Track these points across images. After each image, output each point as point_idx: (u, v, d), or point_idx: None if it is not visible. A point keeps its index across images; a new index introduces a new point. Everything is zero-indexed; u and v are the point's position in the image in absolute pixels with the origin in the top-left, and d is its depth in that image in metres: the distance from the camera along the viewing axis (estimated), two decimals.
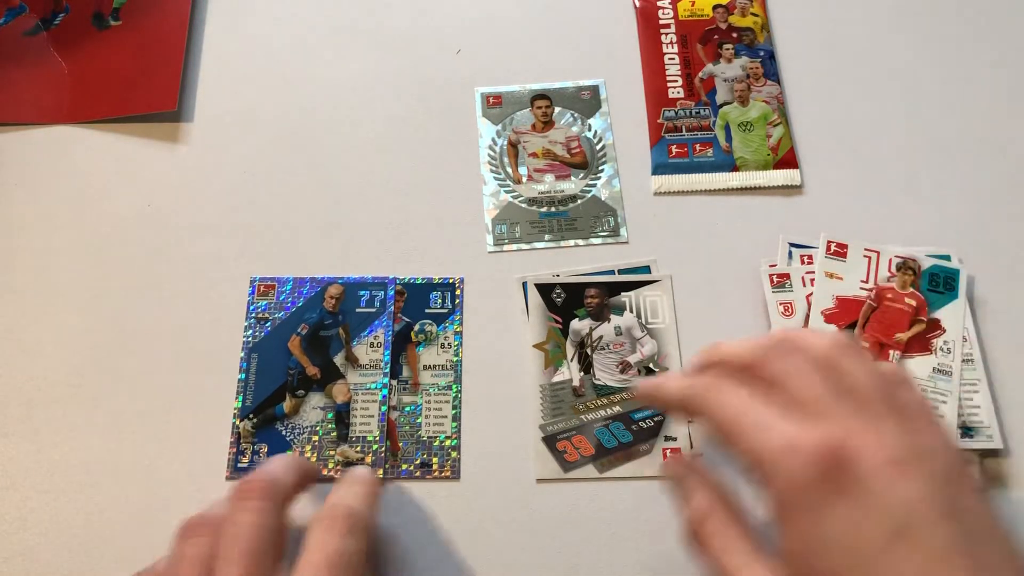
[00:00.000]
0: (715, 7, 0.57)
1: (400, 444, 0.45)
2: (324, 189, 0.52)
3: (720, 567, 0.31)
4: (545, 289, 0.49)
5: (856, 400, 0.29)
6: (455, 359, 0.47)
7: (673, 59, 0.55)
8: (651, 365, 0.47)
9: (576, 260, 0.50)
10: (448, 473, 0.44)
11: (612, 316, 0.48)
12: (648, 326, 0.48)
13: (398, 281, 0.49)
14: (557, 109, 0.54)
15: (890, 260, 0.48)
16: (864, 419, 0.28)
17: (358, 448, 0.45)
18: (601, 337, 0.47)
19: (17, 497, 0.44)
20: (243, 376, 0.47)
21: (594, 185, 0.52)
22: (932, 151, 0.53)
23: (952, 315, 0.47)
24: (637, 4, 0.58)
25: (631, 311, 0.48)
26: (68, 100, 0.54)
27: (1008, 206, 0.51)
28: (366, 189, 0.52)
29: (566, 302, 0.48)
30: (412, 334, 0.48)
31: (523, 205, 0.51)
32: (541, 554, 0.43)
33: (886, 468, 0.26)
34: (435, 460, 0.45)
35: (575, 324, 0.48)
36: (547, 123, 0.54)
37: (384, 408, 0.46)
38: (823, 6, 0.58)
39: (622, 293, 0.48)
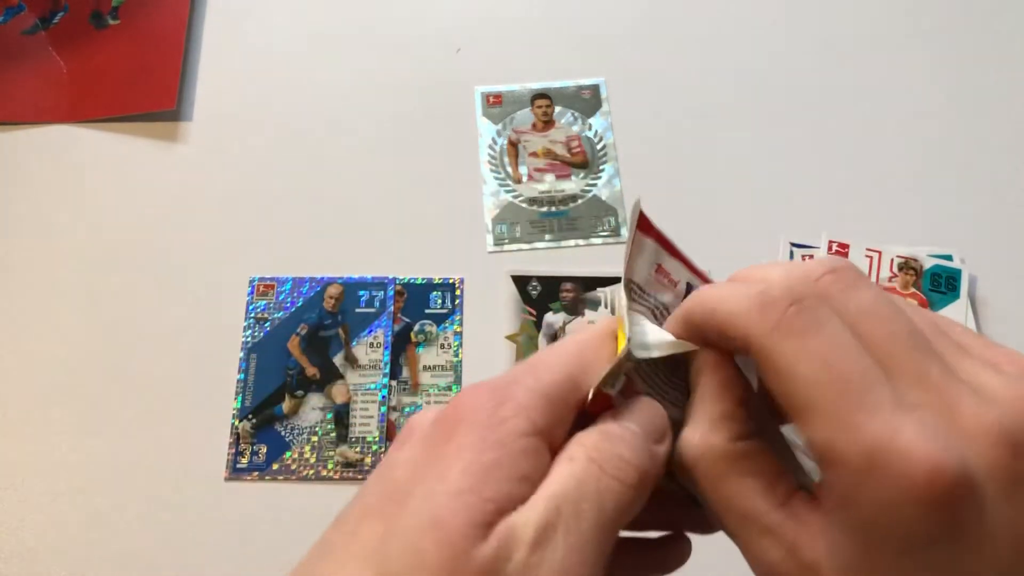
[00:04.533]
0: None
1: None
2: (323, 189, 0.52)
3: (728, 509, 0.22)
4: (522, 281, 0.49)
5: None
6: (455, 359, 0.47)
7: None
8: None
9: (577, 260, 0.49)
10: None
11: (586, 311, 0.48)
12: None
13: (398, 281, 0.49)
14: (557, 108, 0.54)
15: (892, 260, 0.48)
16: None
17: (357, 449, 0.45)
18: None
19: (17, 497, 0.44)
20: (242, 376, 0.46)
21: (595, 185, 0.52)
22: (933, 151, 0.53)
23: (954, 315, 0.47)
24: None
25: (606, 307, 0.48)
26: (67, 99, 0.54)
27: (1009, 206, 0.51)
28: (366, 189, 0.52)
29: (541, 295, 0.48)
30: (412, 334, 0.48)
31: (523, 205, 0.51)
32: None
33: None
34: None
35: (549, 317, 0.48)
36: (547, 122, 0.54)
37: (384, 408, 0.46)
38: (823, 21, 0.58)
39: (598, 289, 0.48)
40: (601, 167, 0.52)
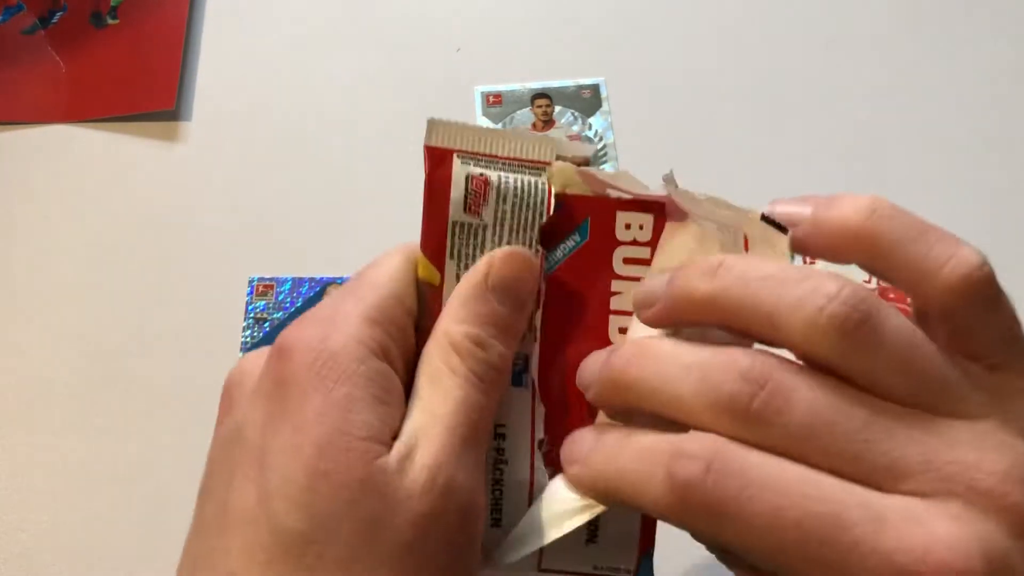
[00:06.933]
0: None
1: None
2: (323, 189, 0.52)
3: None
4: None
5: None
6: None
7: None
8: None
9: None
10: None
11: None
12: None
13: None
14: (557, 108, 0.54)
15: None
16: None
17: None
18: None
19: (17, 497, 0.44)
20: None
21: None
22: (933, 151, 0.53)
23: None
24: None
25: None
26: (66, 99, 0.54)
27: (1009, 206, 0.51)
28: (365, 189, 0.52)
29: None
30: None
31: None
32: None
33: None
34: None
35: None
36: (547, 122, 0.54)
37: None
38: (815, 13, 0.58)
39: None
40: (601, 167, 0.52)
